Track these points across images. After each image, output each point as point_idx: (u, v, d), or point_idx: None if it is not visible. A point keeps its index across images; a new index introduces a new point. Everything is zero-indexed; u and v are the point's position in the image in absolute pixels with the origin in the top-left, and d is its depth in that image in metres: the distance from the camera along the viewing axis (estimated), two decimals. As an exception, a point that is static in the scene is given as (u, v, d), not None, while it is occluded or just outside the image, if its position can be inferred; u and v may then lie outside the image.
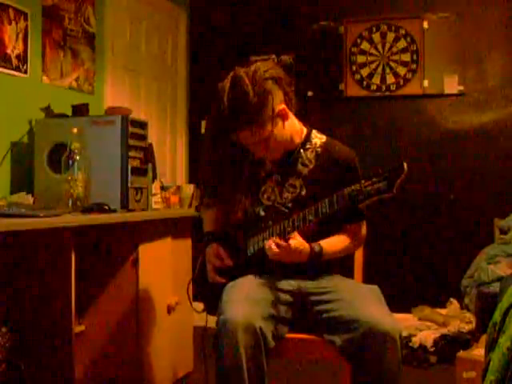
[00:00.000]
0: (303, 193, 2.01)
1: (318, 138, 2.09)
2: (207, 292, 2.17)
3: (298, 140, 2.06)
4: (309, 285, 1.97)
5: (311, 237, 1.92)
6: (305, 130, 2.10)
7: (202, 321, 2.14)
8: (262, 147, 1.96)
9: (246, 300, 1.80)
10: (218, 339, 1.75)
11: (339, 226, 2.03)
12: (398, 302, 2.14)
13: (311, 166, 2.03)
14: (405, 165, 1.63)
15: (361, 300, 1.84)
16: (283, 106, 1.95)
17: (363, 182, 1.71)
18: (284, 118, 1.97)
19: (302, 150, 2.05)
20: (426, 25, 4.02)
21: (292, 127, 2.03)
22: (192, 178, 4.37)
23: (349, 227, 2.04)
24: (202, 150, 2.11)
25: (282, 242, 1.84)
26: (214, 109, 1.93)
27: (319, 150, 2.06)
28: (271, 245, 1.85)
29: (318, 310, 1.90)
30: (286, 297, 1.94)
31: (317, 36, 4.22)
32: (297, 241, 1.86)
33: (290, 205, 2.00)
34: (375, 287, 1.97)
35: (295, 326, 1.93)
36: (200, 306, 2.19)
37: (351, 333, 1.76)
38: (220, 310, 1.82)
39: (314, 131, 2.11)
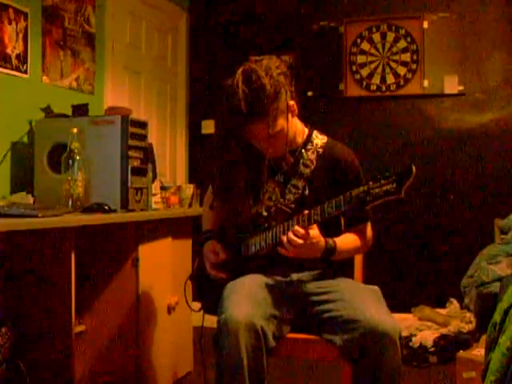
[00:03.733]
0: (306, 193, 2.00)
1: (319, 139, 2.09)
2: (204, 291, 2.17)
3: (299, 140, 2.07)
4: (309, 285, 1.97)
5: None
6: (306, 131, 2.10)
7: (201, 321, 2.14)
8: (270, 143, 1.95)
9: (248, 299, 1.80)
10: (218, 338, 1.75)
11: (344, 226, 2.03)
12: (398, 302, 2.14)
13: (313, 167, 2.03)
14: (413, 167, 1.63)
15: (361, 300, 1.83)
16: (293, 101, 1.96)
17: (371, 183, 1.69)
18: (293, 114, 1.99)
19: (303, 150, 2.06)
20: (426, 25, 4.02)
21: (296, 126, 2.04)
22: (192, 178, 4.37)
23: (355, 228, 2.03)
24: (211, 149, 2.09)
25: (302, 230, 1.81)
26: (224, 105, 1.92)
27: (320, 150, 2.06)
28: (291, 235, 1.81)
29: (318, 310, 1.90)
30: (287, 297, 1.93)
31: (317, 36, 4.22)
32: (315, 231, 1.83)
33: (292, 205, 2.00)
34: (376, 288, 1.97)
35: (296, 326, 1.93)
36: (197, 305, 2.19)
37: (351, 333, 1.76)
38: (221, 309, 1.82)
39: (315, 132, 2.11)
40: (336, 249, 1.91)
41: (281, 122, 1.93)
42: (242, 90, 1.85)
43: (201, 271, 2.16)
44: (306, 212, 1.83)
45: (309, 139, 2.08)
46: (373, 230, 2.10)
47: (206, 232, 2.19)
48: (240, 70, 1.90)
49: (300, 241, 1.81)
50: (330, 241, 1.90)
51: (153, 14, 4.07)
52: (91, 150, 2.56)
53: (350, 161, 2.04)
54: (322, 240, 1.87)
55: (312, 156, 2.05)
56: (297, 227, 1.81)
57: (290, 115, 1.96)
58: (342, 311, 1.82)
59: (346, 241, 1.99)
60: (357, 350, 1.75)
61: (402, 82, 4.07)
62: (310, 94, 4.17)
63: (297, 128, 2.05)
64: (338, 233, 2.02)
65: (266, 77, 1.86)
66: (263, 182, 2.03)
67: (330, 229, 1.96)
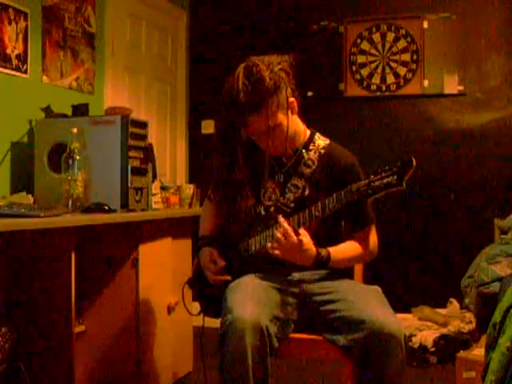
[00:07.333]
0: (306, 193, 2.01)
1: (322, 140, 2.10)
2: (203, 294, 2.17)
3: (300, 140, 2.07)
4: (311, 285, 1.97)
5: (316, 240, 1.90)
6: (308, 132, 2.10)
7: (202, 321, 2.14)
8: (268, 138, 1.95)
9: (252, 299, 1.80)
10: (223, 338, 1.75)
11: (345, 231, 2.02)
12: (398, 302, 2.14)
13: (314, 167, 2.04)
14: (413, 159, 1.67)
15: (365, 300, 1.83)
16: (293, 99, 1.96)
17: (372, 176, 1.74)
18: (293, 111, 1.99)
19: (304, 151, 2.06)
20: (425, 25, 4.02)
21: (296, 125, 2.04)
22: (192, 178, 4.37)
23: (357, 234, 2.01)
24: (210, 148, 2.10)
25: (293, 234, 1.81)
26: (224, 98, 1.92)
27: (322, 151, 2.06)
28: (280, 237, 1.82)
29: (321, 311, 1.90)
30: (290, 298, 1.93)
31: (317, 36, 4.22)
32: (306, 238, 1.84)
33: (292, 205, 2.00)
34: (377, 288, 1.97)
35: (299, 326, 1.93)
36: (196, 306, 2.19)
37: (356, 333, 1.76)
38: (226, 310, 1.81)
39: (317, 134, 2.12)
40: (330, 259, 1.90)
41: (280, 116, 1.93)
42: (242, 82, 1.87)
43: (199, 275, 2.15)
44: (307, 209, 1.84)
45: (311, 140, 2.08)
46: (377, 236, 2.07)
47: (201, 238, 2.19)
48: (242, 65, 1.92)
49: (283, 239, 1.81)
50: (323, 251, 1.89)
51: (153, 14, 4.07)
52: (91, 150, 2.55)
53: (351, 164, 2.03)
54: (313, 249, 1.86)
55: (313, 156, 2.05)
56: (288, 228, 1.82)
57: (289, 112, 1.97)
58: (345, 311, 1.82)
59: (343, 250, 1.97)
60: (362, 349, 1.75)
61: (402, 82, 4.07)
62: (310, 94, 4.16)
63: (297, 127, 2.05)
64: (342, 235, 2.01)
65: (267, 70, 1.88)
66: (264, 181, 2.04)
67: (331, 236, 1.96)
